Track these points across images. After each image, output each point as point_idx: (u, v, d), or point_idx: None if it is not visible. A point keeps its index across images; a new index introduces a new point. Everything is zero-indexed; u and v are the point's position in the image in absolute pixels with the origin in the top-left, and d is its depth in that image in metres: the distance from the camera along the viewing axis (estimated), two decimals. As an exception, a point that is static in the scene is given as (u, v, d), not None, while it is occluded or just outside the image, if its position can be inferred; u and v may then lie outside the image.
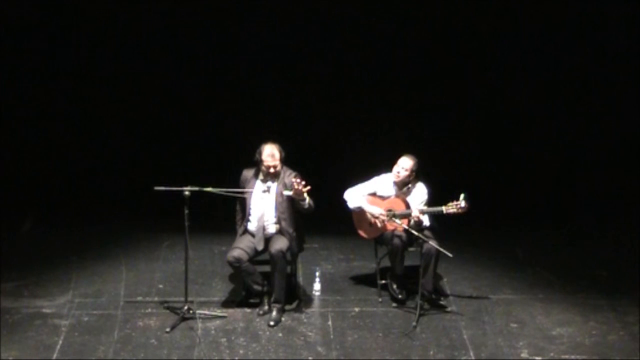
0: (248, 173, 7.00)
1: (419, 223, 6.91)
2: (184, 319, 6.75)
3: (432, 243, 6.83)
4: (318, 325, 6.79)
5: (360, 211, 7.10)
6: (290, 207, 6.90)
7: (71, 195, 9.09)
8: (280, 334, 6.66)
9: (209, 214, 7.66)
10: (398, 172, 7.05)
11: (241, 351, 6.41)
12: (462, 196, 6.82)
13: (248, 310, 6.97)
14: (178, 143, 9.30)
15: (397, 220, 6.92)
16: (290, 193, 6.59)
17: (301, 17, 9.09)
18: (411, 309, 6.95)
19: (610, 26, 8.97)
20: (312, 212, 6.79)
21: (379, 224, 7.02)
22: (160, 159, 9.19)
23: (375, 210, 7.03)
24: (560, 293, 7.36)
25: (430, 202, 7.08)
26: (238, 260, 6.80)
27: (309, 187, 6.59)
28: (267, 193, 6.90)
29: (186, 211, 6.66)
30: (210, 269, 7.76)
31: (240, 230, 7.01)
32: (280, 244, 6.84)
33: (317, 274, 7.39)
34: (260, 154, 6.86)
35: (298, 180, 6.60)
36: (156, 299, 7.17)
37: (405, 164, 7.03)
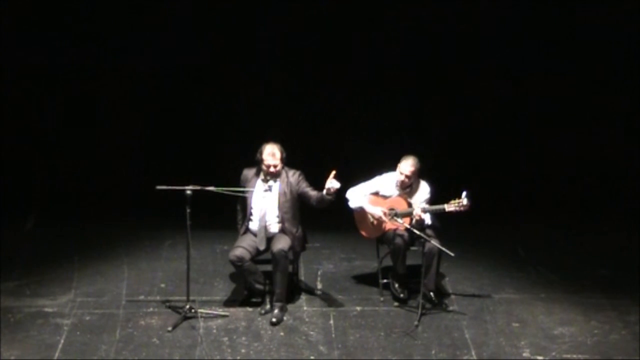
0: (248, 172, 7.00)
1: (420, 222, 6.91)
2: (185, 318, 6.75)
3: (434, 242, 6.83)
4: (320, 325, 6.79)
5: (362, 211, 7.10)
6: (294, 207, 6.92)
7: (73, 195, 9.08)
8: (282, 333, 6.66)
9: (211, 213, 7.65)
10: (402, 180, 7.03)
11: (243, 350, 6.41)
12: (464, 194, 6.82)
13: (250, 309, 6.97)
14: (180, 142, 9.29)
15: (399, 220, 6.92)
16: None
17: (304, 18, 9.09)
18: (413, 309, 6.95)
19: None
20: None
21: (381, 221, 7.03)
22: (162, 158, 9.18)
23: (376, 210, 7.03)
24: (562, 292, 7.36)
25: (432, 201, 7.09)
26: (240, 259, 6.80)
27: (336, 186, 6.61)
28: (268, 192, 6.91)
29: (188, 210, 6.67)
30: (212, 268, 7.77)
31: (242, 230, 7.01)
32: (283, 243, 6.84)
33: (319, 273, 7.39)
34: (261, 153, 6.87)
35: (334, 180, 6.58)
36: (158, 298, 7.18)
37: (406, 170, 6.99)
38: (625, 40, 9.00)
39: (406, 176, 7.00)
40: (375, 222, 7.09)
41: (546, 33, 9.10)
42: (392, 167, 7.10)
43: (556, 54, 9.13)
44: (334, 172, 6.58)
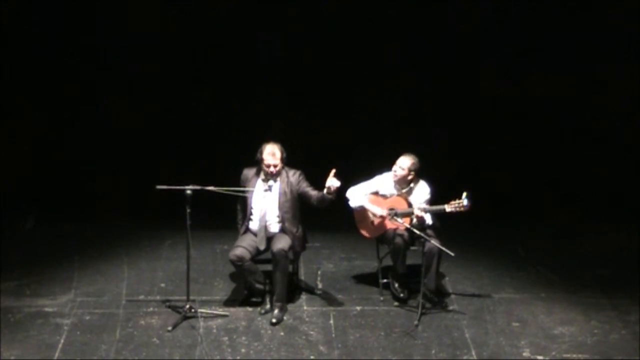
0: (249, 172, 7.00)
1: (421, 222, 6.91)
2: (185, 317, 6.75)
3: (434, 242, 6.83)
4: (320, 324, 6.79)
5: (362, 210, 7.10)
6: (294, 207, 6.92)
7: (73, 194, 9.08)
8: (282, 333, 6.66)
9: (211, 213, 7.65)
10: (395, 171, 7.05)
11: (243, 350, 6.41)
12: (464, 195, 6.82)
13: (250, 309, 6.97)
14: (180, 142, 9.29)
15: (399, 219, 6.92)
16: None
17: (304, 18, 9.09)
18: (413, 308, 6.95)
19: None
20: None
21: (380, 222, 7.03)
22: (162, 157, 9.18)
23: (376, 209, 7.03)
24: (562, 292, 7.36)
25: (432, 201, 7.08)
26: (240, 259, 6.80)
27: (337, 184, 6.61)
28: (269, 192, 6.91)
29: (188, 210, 6.67)
30: (212, 268, 7.77)
31: (242, 229, 7.01)
32: (283, 242, 6.84)
33: (319, 273, 7.39)
34: (261, 153, 6.87)
35: (334, 179, 6.58)
36: (158, 297, 7.18)
37: (402, 163, 7.03)
38: (625, 40, 9.00)
39: (400, 167, 7.00)
40: (375, 221, 7.09)
41: (546, 33, 9.10)
42: (392, 167, 7.10)
43: (556, 54, 9.13)
44: (333, 171, 6.59)
